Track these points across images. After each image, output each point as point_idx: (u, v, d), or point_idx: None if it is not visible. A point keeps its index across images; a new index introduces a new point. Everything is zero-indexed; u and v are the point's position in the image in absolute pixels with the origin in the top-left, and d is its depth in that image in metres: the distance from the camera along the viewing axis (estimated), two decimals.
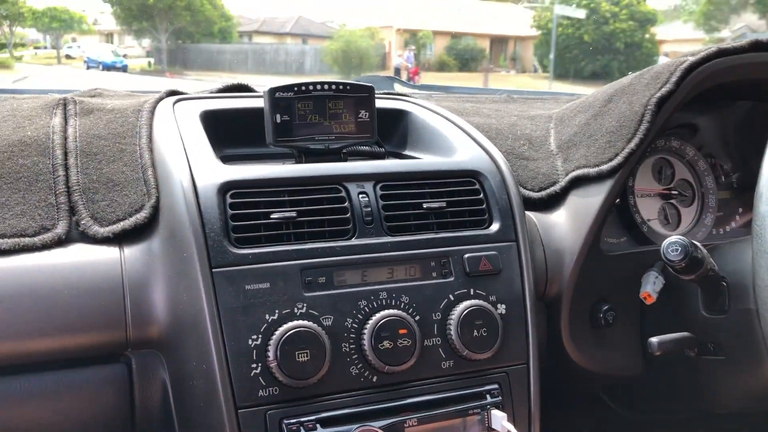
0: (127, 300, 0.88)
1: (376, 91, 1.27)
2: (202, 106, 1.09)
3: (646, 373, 1.20)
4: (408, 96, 1.32)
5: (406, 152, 1.20)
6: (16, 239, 0.88)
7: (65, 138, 1.02)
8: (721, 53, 1.13)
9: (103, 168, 0.99)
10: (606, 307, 1.14)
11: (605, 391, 1.35)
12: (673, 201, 1.33)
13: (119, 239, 0.93)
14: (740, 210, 1.37)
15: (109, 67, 20.06)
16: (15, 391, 0.87)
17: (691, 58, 1.12)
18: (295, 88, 1.02)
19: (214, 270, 0.85)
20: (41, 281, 0.86)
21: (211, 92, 1.21)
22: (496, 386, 0.96)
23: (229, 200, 0.89)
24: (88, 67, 20.45)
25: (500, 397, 0.95)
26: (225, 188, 0.90)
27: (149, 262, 0.91)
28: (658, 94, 1.11)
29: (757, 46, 1.15)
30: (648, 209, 1.30)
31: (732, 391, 1.12)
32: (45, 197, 0.94)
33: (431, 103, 1.28)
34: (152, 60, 23.52)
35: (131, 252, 0.92)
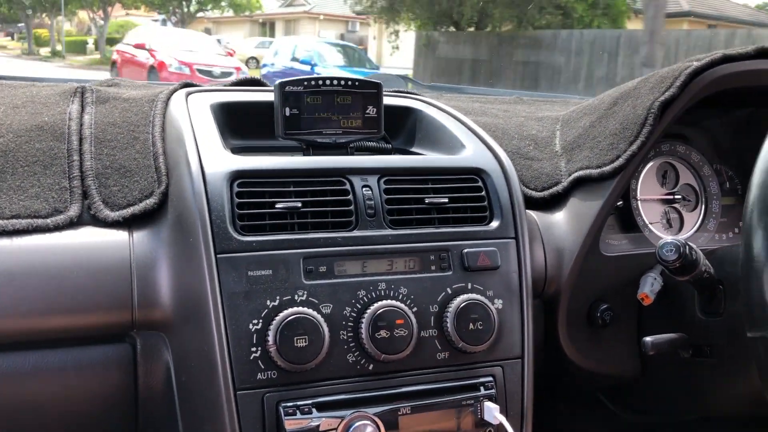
0: (134, 282, 0.92)
1: (388, 89, 1.30)
2: (213, 98, 1.12)
3: (642, 374, 1.21)
4: (418, 94, 1.34)
5: (413, 149, 1.23)
6: (30, 220, 0.92)
7: (81, 125, 1.06)
8: (727, 59, 1.15)
9: (116, 154, 1.02)
10: (604, 307, 1.15)
11: (602, 392, 1.36)
12: (676, 205, 1.34)
13: (129, 223, 0.96)
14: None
15: None
16: (25, 366, 0.91)
17: (696, 63, 1.14)
18: (305, 83, 1.05)
19: (218, 255, 0.88)
20: (52, 261, 0.90)
21: (224, 85, 1.24)
22: (490, 379, 0.98)
23: (236, 189, 0.92)
24: None
25: (494, 390, 0.97)
26: (232, 177, 0.93)
27: (157, 247, 0.94)
28: (662, 98, 1.12)
29: (763, 52, 1.16)
30: (651, 213, 1.31)
31: (726, 394, 1.13)
32: (59, 181, 0.97)
33: (440, 101, 1.30)
34: None
35: (140, 236, 0.95)
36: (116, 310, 0.91)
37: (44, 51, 31.46)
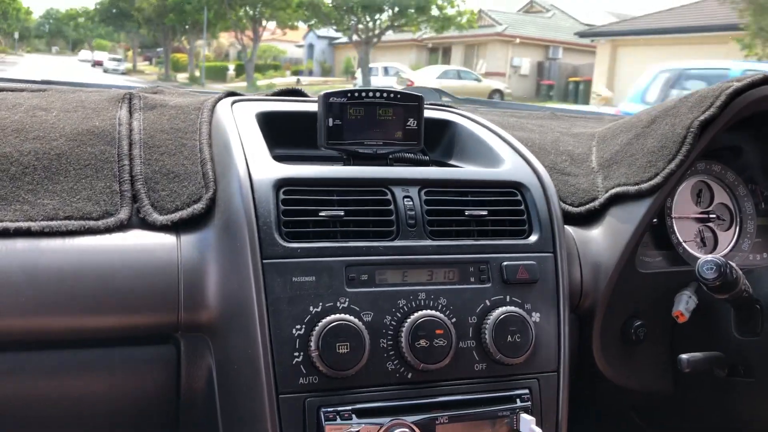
0: (181, 284, 0.94)
1: (426, 102, 1.32)
2: (258, 107, 1.15)
3: (674, 391, 1.21)
4: (455, 107, 1.36)
5: (451, 161, 1.24)
6: (82, 222, 0.94)
7: (131, 130, 1.09)
8: (767, 80, 1.15)
9: (164, 160, 1.05)
10: (638, 324, 1.16)
11: (633, 408, 1.36)
12: (710, 224, 1.34)
13: (177, 227, 0.98)
14: None
15: None
16: (73, 363, 0.93)
17: (737, 84, 1.14)
18: (348, 95, 1.07)
19: (264, 261, 0.90)
20: (103, 262, 0.92)
21: (267, 95, 1.27)
22: (526, 391, 0.99)
23: (282, 196, 0.94)
24: None
25: (530, 402, 0.98)
26: (279, 185, 0.95)
27: (204, 251, 0.96)
28: (702, 117, 1.13)
29: None
30: (685, 231, 1.32)
31: (759, 414, 1.13)
32: (110, 184, 1.00)
33: (477, 115, 1.31)
34: None
35: (187, 240, 0.97)
36: (163, 312, 0.93)
37: (182, 77, 30.36)
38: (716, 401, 1.17)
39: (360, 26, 23.26)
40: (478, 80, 21.72)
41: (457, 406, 0.95)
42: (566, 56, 25.99)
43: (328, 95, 1.06)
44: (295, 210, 0.94)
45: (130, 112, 1.14)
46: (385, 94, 1.09)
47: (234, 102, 1.15)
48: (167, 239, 0.97)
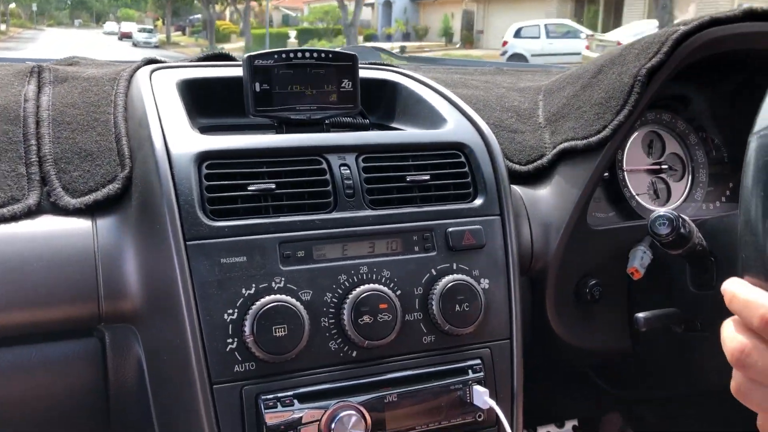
0: (99, 273, 0.86)
1: (363, 62, 1.24)
2: (179, 75, 1.06)
3: (633, 350, 1.18)
4: (395, 66, 1.29)
5: (392, 124, 1.18)
6: None
7: (38, 106, 0.99)
8: (714, 22, 1.10)
9: (76, 138, 0.96)
10: (592, 283, 1.12)
11: (592, 369, 1.33)
12: (662, 175, 1.31)
13: (92, 211, 0.90)
14: (731, 185, 1.35)
15: None
16: None
17: (684, 27, 1.10)
18: (275, 56, 0.99)
19: (188, 243, 0.82)
20: (10, 253, 0.84)
21: (191, 61, 1.18)
22: (478, 361, 0.94)
23: (204, 171, 0.86)
24: None
25: (482, 373, 0.94)
26: (200, 158, 0.87)
27: (122, 235, 0.88)
28: (649, 65, 1.08)
29: (750, 14, 1.12)
30: (637, 184, 1.28)
31: (716, 367, 1.10)
32: (15, 167, 0.91)
33: (418, 73, 1.25)
34: None
35: (104, 224, 0.89)
36: (81, 303, 0.86)
37: (232, 47, 23.94)
38: (674, 357, 1.15)
39: None
40: None
41: (406, 382, 0.90)
42: None
43: (252, 57, 0.98)
44: (220, 185, 0.87)
45: (39, 87, 1.04)
46: (315, 54, 1.02)
47: (153, 71, 1.06)
48: (81, 224, 0.89)
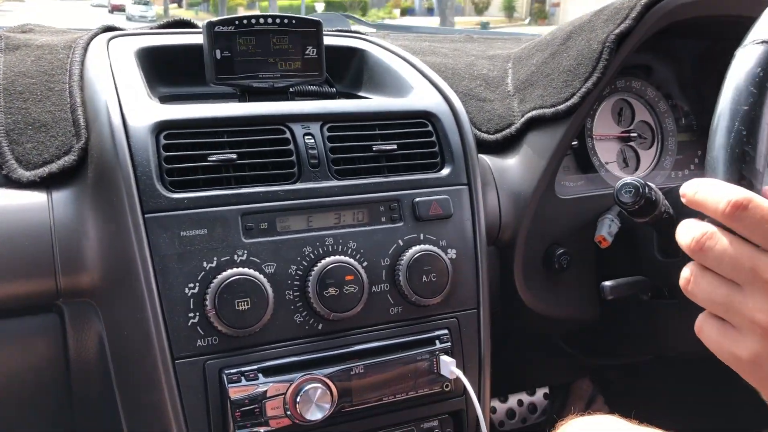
0: (55, 247, 0.84)
1: (330, 29, 1.21)
2: (138, 42, 1.02)
3: (600, 317, 1.19)
4: (362, 33, 1.26)
5: (359, 93, 1.15)
6: None
7: None
8: None
9: (29, 108, 0.92)
10: (560, 252, 1.12)
11: (562, 337, 1.34)
12: (632, 144, 1.31)
13: (46, 183, 0.87)
14: (699, 152, 1.35)
15: None
16: None
17: None
18: (236, 22, 0.96)
19: (146, 215, 0.80)
20: None
21: (150, 29, 1.14)
22: (445, 332, 0.94)
23: (162, 141, 0.84)
24: None
25: (450, 343, 0.93)
26: (158, 128, 0.84)
27: (79, 208, 0.86)
28: (617, 31, 1.07)
29: None
30: (606, 152, 1.27)
31: (683, 333, 1.11)
32: None
33: (386, 41, 1.22)
34: None
35: (60, 197, 0.86)
36: (37, 278, 0.83)
37: None
38: (642, 324, 1.16)
39: None
40: None
41: (372, 354, 0.89)
42: None
43: (212, 24, 0.95)
44: (179, 156, 0.84)
45: None
46: (278, 20, 0.98)
47: (111, 39, 1.03)
48: (36, 197, 0.86)
